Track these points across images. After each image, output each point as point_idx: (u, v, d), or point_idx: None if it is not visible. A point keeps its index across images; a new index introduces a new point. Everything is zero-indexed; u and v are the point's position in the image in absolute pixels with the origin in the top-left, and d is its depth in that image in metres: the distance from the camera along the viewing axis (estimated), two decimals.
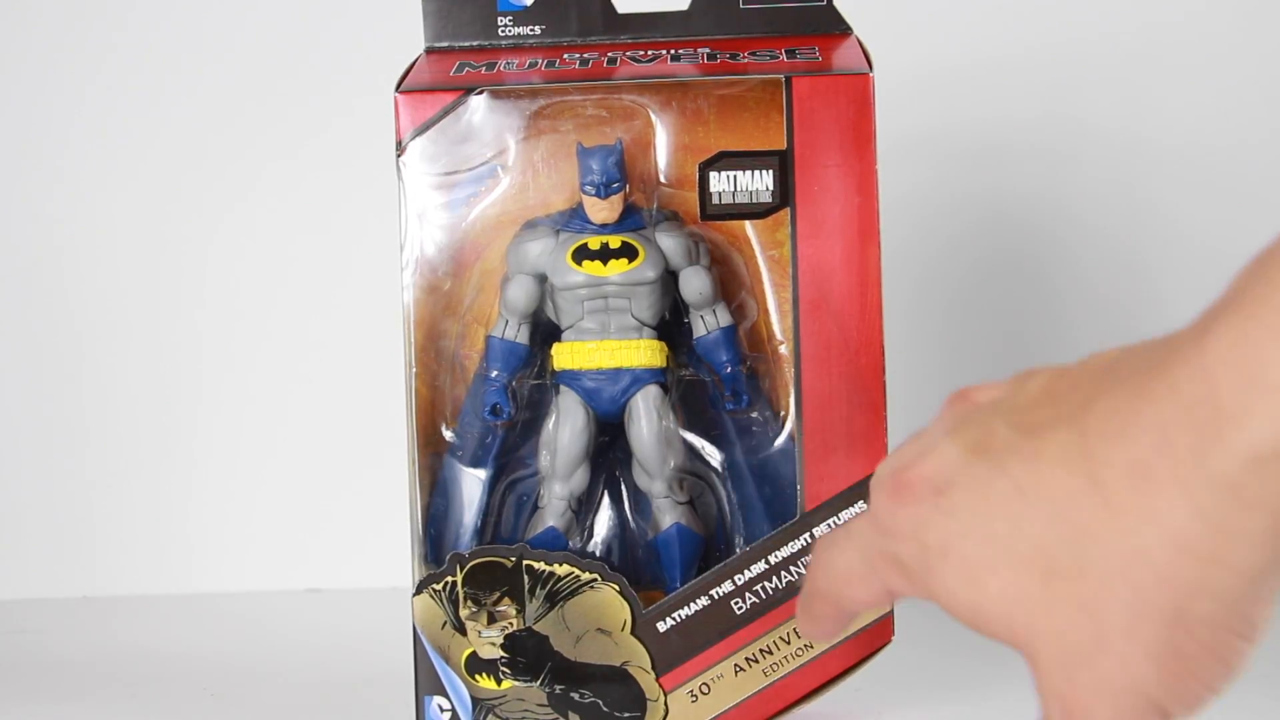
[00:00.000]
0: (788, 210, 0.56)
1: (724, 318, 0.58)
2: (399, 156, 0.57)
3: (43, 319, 0.91)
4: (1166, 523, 0.31)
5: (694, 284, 0.58)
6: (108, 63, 0.90)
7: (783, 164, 0.56)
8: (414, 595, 0.57)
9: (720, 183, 0.57)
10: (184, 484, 0.90)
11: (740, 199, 0.57)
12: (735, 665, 0.56)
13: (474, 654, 0.56)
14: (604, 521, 0.60)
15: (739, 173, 0.56)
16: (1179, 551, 0.31)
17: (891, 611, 0.56)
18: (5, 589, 0.90)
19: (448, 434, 0.59)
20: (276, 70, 0.90)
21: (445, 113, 0.57)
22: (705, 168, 0.57)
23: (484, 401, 0.58)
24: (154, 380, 0.91)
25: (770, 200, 0.56)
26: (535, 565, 0.56)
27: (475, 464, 0.59)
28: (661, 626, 0.56)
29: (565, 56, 0.60)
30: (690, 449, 0.59)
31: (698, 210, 0.57)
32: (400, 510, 0.87)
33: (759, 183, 0.56)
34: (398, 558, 0.88)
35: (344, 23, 0.89)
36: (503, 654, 0.56)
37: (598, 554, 0.59)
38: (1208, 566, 0.31)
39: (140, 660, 0.74)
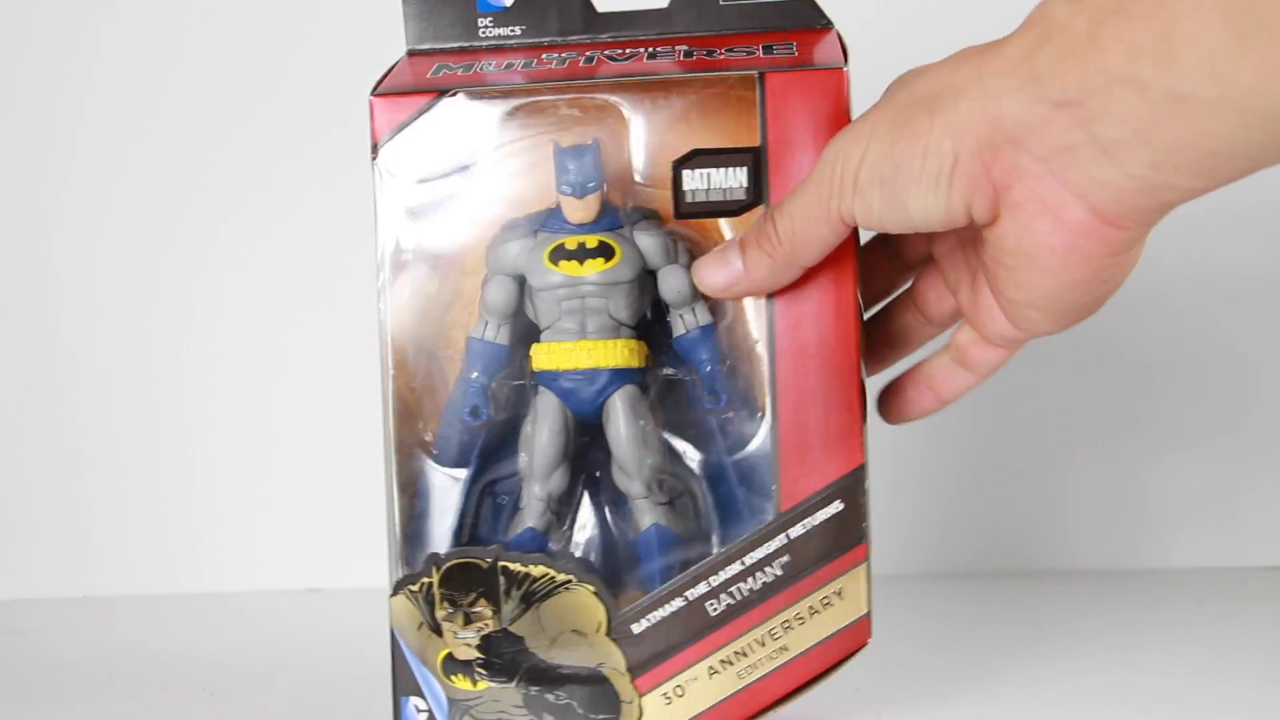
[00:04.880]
0: (762, 207, 0.55)
1: (703, 316, 0.58)
2: (374, 159, 0.57)
3: (41, 320, 0.91)
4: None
5: (672, 283, 0.58)
6: (98, 68, 0.91)
7: (756, 161, 0.55)
8: (391, 596, 0.57)
9: (694, 180, 0.56)
10: (184, 484, 0.91)
11: (714, 196, 0.56)
12: (710, 668, 0.56)
13: (450, 655, 0.57)
14: (585, 523, 0.60)
15: (713, 170, 0.56)
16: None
17: (869, 614, 0.55)
18: (5, 589, 0.90)
19: (426, 435, 0.59)
20: (265, 71, 0.90)
21: (419, 114, 0.57)
22: (679, 165, 0.56)
23: (463, 403, 0.58)
24: (153, 380, 0.91)
25: (744, 197, 0.56)
26: (511, 566, 0.56)
27: (454, 465, 0.58)
28: (636, 629, 0.56)
29: (543, 56, 0.60)
30: (670, 448, 0.58)
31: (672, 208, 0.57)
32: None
33: (733, 180, 0.56)
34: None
35: (338, 25, 0.90)
36: (478, 655, 0.56)
37: (578, 555, 0.59)
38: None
39: (140, 660, 0.75)
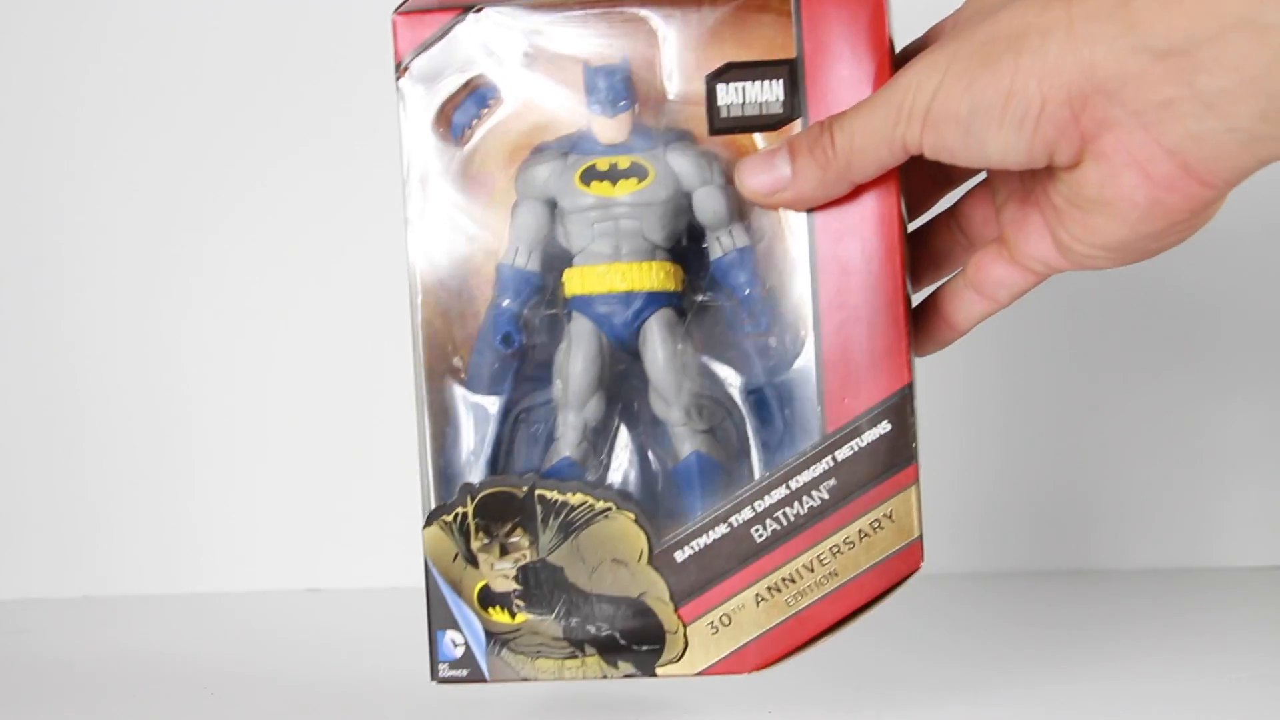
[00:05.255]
0: (799, 121, 0.54)
1: (741, 238, 0.56)
2: (399, 79, 0.55)
3: (43, 318, 0.91)
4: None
5: (709, 204, 0.56)
6: (102, 54, 0.90)
7: (793, 73, 0.54)
8: (424, 527, 0.55)
9: (728, 95, 0.54)
10: (184, 484, 0.90)
11: (750, 111, 0.54)
12: (757, 595, 0.54)
13: (486, 587, 0.55)
14: (621, 452, 0.58)
15: (748, 84, 0.54)
16: None
17: (920, 538, 0.54)
18: (5, 589, 0.90)
19: (457, 362, 0.57)
20: (263, 61, 0.90)
21: (444, 32, 0.55)
22: (712, 80, 0.54)
23: (495, 330, 0.57)
24: (153, 380, 0.90)
25: (781, 111, 0.54)
26: (548, 495, 0.54)
27: (487, 393, 0.57)
28: (679, 556, 0.54)
29: None
30: (708, 374, 0.57)
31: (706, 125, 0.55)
32: (401, 509, 0.86)
33: (769, 93, 0.54)
34: (398, 558, 0.88)
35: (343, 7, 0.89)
36: (516, 586, 0.55)
37: (615, 486, 0.57)
38: None
39: (140, 660, 0.74)
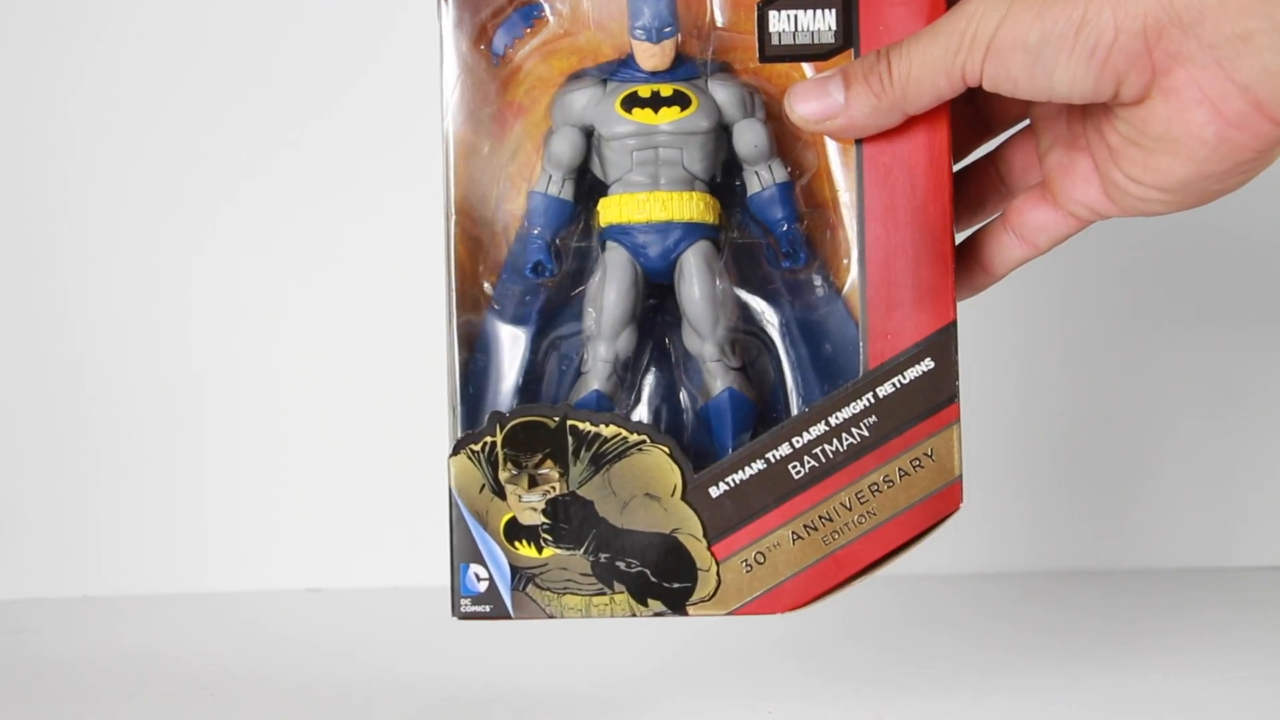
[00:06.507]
0: (851, 52, 0.53)
1: (780, 173, 0.55)
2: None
3: (45, 315, 0.89)
4: None
5: (749, 137, 0.55)
6: (112, 12, 0.88)
7: (846, 2, 0.53)
8: (450, 456, 0.53)
9: (780, 22, 0.53)
10: (185, 484, 0.89)
11: (801, 39, 0.53)
12: (793, 533, 0.53)
13: (513, 519, 0.53)
14: (651, 388, 0.56)
15: (800, 11, 0.53)
16: None
17: (960, 478, 0.53)
18: (6, 589, 0.88)
19: (487, 289, 0.55)
20: (266, 49, 0.88)
21: None
22: (765, 6, 0.53)
23: (526, 259, 0.55)
24: (155, 381, 0.89)
25: (833, 41, 0.53)
26: (580, 426, 0.53)
27: (517, 322, 0.55)
28: (714, 492, 0.53)
29: None
30: (744, 309, 0.55)
31: (756, 52, 0.54)
32: (402, 509, 0.84)
33: (821, 22, 0.53)
34: (398, 558, 0.87)
35: None
36: (544, 520, 0.53)
37: (644, 423, 0.55)
38: None
39: (141, 660, 0.72)
